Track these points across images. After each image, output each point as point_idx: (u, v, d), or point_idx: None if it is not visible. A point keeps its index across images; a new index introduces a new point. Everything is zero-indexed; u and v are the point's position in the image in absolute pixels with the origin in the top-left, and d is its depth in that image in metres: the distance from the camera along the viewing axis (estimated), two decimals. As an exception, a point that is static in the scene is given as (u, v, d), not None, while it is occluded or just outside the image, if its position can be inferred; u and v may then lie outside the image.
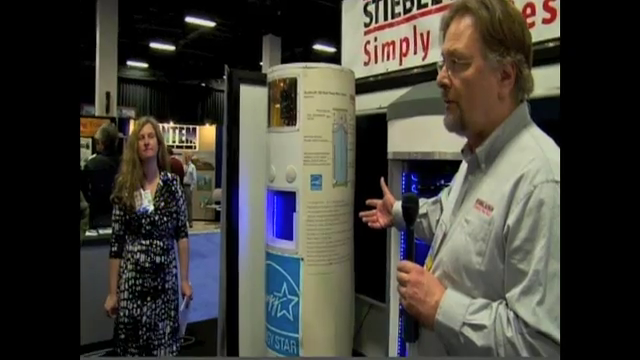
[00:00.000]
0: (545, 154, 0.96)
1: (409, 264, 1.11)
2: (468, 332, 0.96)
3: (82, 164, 5.09)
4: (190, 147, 12.62)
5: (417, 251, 1.23)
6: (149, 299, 2.56)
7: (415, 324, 1.11)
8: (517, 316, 0.91)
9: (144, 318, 2.54)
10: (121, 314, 2.55)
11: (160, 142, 2.68)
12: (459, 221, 1.07)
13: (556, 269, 0.89)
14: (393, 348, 2.20)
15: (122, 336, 2.54)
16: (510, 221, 0.94)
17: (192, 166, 11.19)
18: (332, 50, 12.66)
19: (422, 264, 1.15)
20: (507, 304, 0.94)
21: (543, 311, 0.89)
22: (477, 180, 1.08)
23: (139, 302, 2.54)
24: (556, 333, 0.87)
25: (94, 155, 4.85)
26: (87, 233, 3.67)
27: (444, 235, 1.13)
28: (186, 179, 10.45)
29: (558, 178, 0.91)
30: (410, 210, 1.21)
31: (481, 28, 1.01)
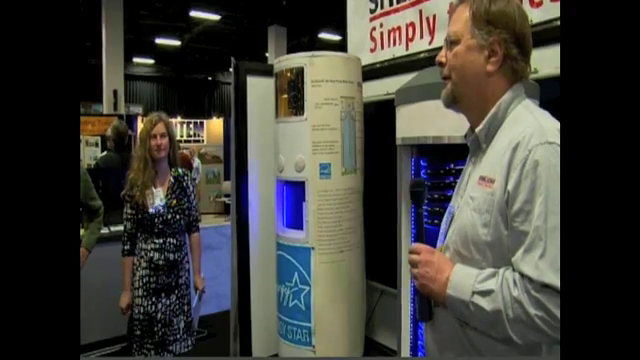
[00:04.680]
0: (538, 121, 1.02)
1: (420, 246, 1.15)
2: (478, 300, 0.99)
3: (93, 162, 5.16)
4: (198, 141, 12.65)
5: (428, 235, 1.24)
6: (163, 295, 2.55)
7: (429, 303, 1.15)
8: (522, 275, 0.94)
9: (159, 314, 2.53)
10: (136, 311, 2.54)
11: (172, 140, 2.65)
12: (465, 200, 1.11)
13: (556, 223, 0.92)
14: (405, 334, 2.20)
15: (137, 332, 2.54)
16: (510, 186, 0.98)
17: (197, 161, 11.20)
18: (338, 38, 12.60)
19: (433, 247, 1.18)
20: (513, 268, 0.97)
21: (545, 263, 0.92)
22: (479, 160, 1.13)
23: (154, 299, 2.53)
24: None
25: (104, 153, 4.90)
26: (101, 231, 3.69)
27: (452, 217, 1.17)
28: (192, 174, 10.48)
29: (552, 139, 0.96)
30: (418, 194, 1.25)
31: (473, 10, 1.10)
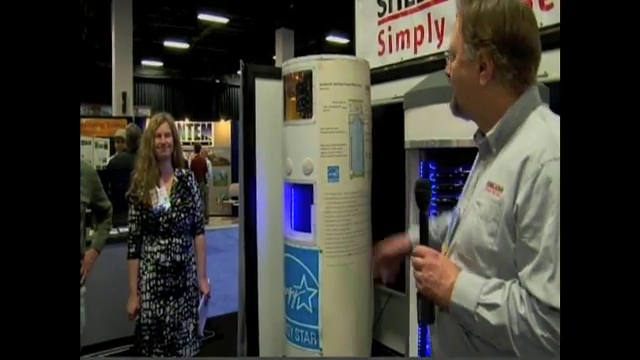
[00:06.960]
0: (552, 132, 0.99)
1: (424, 248, 1.15)
2: (483, 312, 0.99)
3: (103, 164, 5.27)
4: (206, 143, 12.72)
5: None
6: (171, 298, 2.54)
7: (431, 307, 1.14)
8: (529, 294, 0.93)
9: (167, 318, 2.52)
10: (144, 315, 2.52)
11: (176, 141, 2.66)
12: (472, 204, 1.10)
13: None
14: (413, 337, 2.19)
15: (146, 337, 2.52)
16: (519, 200, 0.96)
17: (208, 162, 11.28)
18: (345, 41, 12.63)
19: (438, 251, 1.18)
20: (520, 283, 0.97)
21: (554, 287, 0.90)
22: (488, 164, 1.12)
23: (161, 302, 2.52)
24: None
25: (114, 154, 5.06)
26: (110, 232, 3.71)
27: (458, 220, 1.16)
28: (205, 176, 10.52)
29: None
30: (423, 195, 1.23)
31: (461, 23, 1.11)
